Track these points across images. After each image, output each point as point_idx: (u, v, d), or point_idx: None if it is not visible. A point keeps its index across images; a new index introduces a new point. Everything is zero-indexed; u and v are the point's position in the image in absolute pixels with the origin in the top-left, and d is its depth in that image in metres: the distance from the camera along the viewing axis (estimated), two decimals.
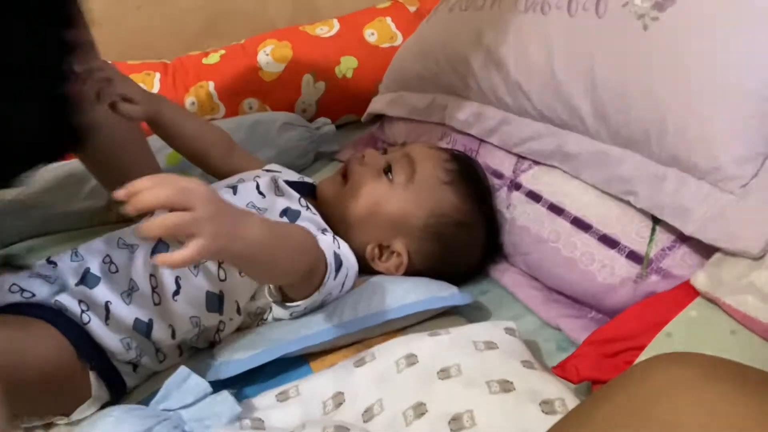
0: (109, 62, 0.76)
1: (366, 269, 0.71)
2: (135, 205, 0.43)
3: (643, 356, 0.54)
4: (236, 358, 0.62)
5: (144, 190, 0.44)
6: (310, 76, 1.14)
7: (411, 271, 0.72)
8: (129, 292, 0.62)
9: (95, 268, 0.63)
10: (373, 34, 1.19)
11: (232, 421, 0.51)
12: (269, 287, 0.62)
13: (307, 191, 0.76)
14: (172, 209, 0.45)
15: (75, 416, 0.59)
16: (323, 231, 0.67)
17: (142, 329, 0.62)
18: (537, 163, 0.77)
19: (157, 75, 1.12)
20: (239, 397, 0.54)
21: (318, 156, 1.09)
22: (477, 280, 0.78)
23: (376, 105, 1.07)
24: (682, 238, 0.62)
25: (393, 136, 1.03)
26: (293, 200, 0.71)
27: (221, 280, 0.64)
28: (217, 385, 0.54)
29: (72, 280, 0.62)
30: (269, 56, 1.14)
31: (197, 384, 0.53)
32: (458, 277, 0.74)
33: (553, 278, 0.72)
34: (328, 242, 0.64)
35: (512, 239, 0.76)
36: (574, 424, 0.36)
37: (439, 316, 0.68)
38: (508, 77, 0.78)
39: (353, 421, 0.53)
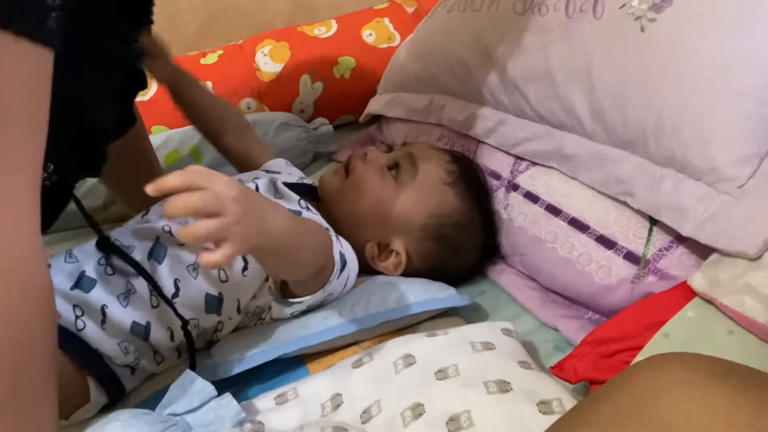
0: None
1: (364, 269, 0.71)
2: (166, 212, 0.43)
3: (640, 356, 0.54)
4: (234, 358, 0.62)
5: (175, 198, 0.43)
6: (308, 76, 1.14)
7: (409, 271, 0.72)
8: (126, 295, 0.62)
9: (90, 271, 0.62)
10: (371, 34, 1.19)
11: (236, 425, 0.51)
12: (270, 286, 0.62)
13: (306, 192, 0.76)
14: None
15: (73, 419, 0.59)
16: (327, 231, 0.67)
17: (140, 332, 0.61)
18: (534, 163, 0.77)
19: None
20: (238, 399, 0.54)
21: (316, 156, 1.10)
22: (475, 281, 0.78)
23: (374, 105, 1.07)
24: (680, 239, 0.62)
25: (391, 136, 1.03)
26: (293, 202, 0.71)
27: (222, 281, 0.64)
28: (216, 386, 0.54)
29: (67, 284, 0.61)
30: (267, 56, 1.14)
31: (203, 388, 0.52)
32: (456, 278, 0.74)
33: (551, 279, 0.72)
34: (332, 241, 0.64)
35: (510, 240, 0.77)
36: (572, 424, 0.36)
37: (437, 316, 0.68)
38: (506, 78, 0.78)
39: (352, 423, 0.53)
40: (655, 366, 0.35)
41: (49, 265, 0.63)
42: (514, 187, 0.78)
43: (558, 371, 0.58)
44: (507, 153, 0.80)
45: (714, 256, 0.58)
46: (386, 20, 1.21)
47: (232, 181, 0.45)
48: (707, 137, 0.58)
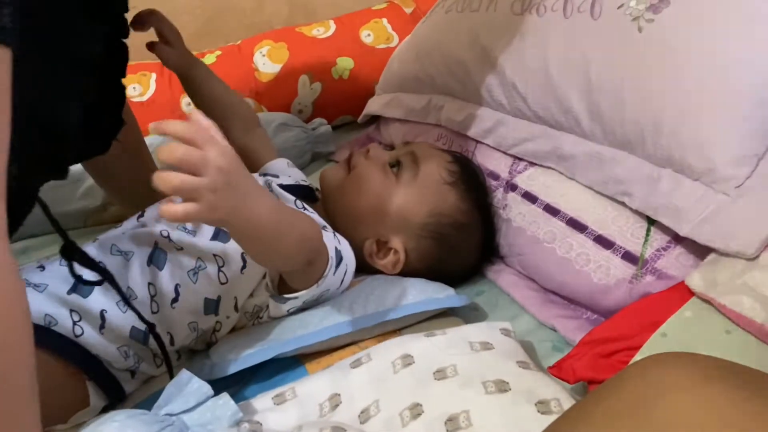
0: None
1: (363, 268, 0.71)
2: (158, 153, 0.43)
3: (638, 356, 0.54)
4: (231, 358, 0.62)
5: (172, 144, 0.43)
6: (306, 77, 1.14)
7: (407, 270, 0.72)
8: (126, 300, 0.61)
9: (87, 275, 0.61)
10: (369, 35, 1.19)
11: (233, 425, 0.51)
12: (268, 283, 0.61)
13: (303, 194, 0.76)
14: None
15: (72, 422, 0.58)
16: (323, 228, 0.67)
17: (140, 337, 0.61)
18: (533, 164, 0.77)
19: (153, 75, 1.12)
20: (236, 399, 0.54)
21: (314, 156, 1.10)
22: (473, 281, 0.78)
23: (373, 106, 1.07)
24: (677, 239, 0.62)
25: (389, 137, 1.03)
26: (288, 203, 0.71)
27: (222, 284, 0.64)
28: (214, 387, 0.54)
29: (63, 287, 0.60)
30: (265, 57, 1.14)
31: (199, 387, 0.52)
32: (455, 278, 0.74)
33: (549, 279, 0.72)
34: (329, 238, 0.64)
35: (508, 240, 0.77)
36: (570, 424, 0.36)
37: (436, 316, 0.68)
38: (504, 78, 0.78)
39: (350, 423, 0.53)
40: (652, 366, 0.35)
41: (44, 267, 0.63)
42: (513, 187, 0.78)
43: (556, 371, 0.58)
44: (505, 153, 0.81)
45: (712, 256, 0.58)
46: (384, 21, 1.21)
47: (227, 153, 0.45)
48: (705, 137, 0.58)
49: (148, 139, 0.90)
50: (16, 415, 0.39)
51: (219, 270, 0.63)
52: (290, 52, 1.15)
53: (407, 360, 0.56)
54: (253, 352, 0.62)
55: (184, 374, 0.53)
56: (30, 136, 0.46)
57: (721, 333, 0.53)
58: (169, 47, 0.76)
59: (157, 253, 0.63)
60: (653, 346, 0.54)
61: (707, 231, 0.57)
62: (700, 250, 0.60)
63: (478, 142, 0.85)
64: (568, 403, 0.50)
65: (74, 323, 0.59)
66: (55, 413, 0.57)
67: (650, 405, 0.32)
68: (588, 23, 0.69)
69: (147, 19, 0.73)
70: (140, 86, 1.10)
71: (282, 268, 0.59)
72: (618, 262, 0.65)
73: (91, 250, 0.65)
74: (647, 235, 0.64)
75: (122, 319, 0.60)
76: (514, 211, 0.76)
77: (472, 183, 0.76)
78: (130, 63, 1.22)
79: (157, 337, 0.61)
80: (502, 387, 0.51)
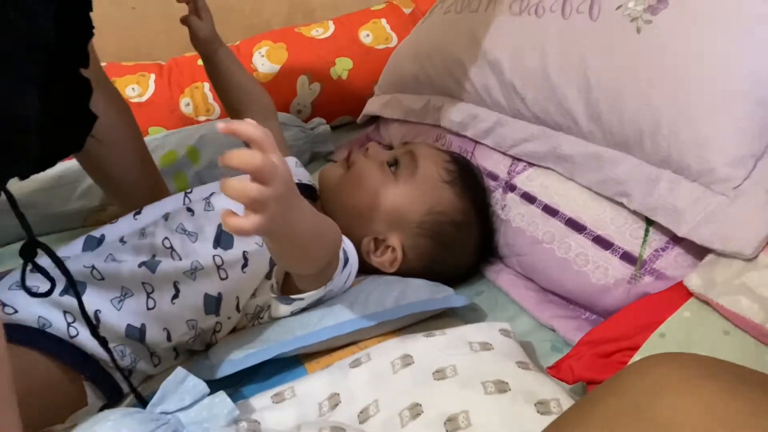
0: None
1: (361, 267, 0.71)
2: (224, 160, 0.42)
3: (637, 357, 0.54)
4: (231, 358, 0.62)
5: (242, 150, 0.42)
6: (305, 77, 1.14)
7: (405, 269, 0.72)
8: (121, 299, 0.61)
9: (78, 275, 0.60)
10: (368, 35, 1.19)
11: (230, 423, 0.51)
12: (273, 285, 0.61)
13: (306, 194, 0.76)
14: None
15: (70, 422, 0.58)
16: None
17: (135, 335, 0.61)
18: (531, 164, 0.77)
19: (152, 76, 1.12)
20: (235, 398, 0.54)
21: (313, 156, 1.10)
22: (472, 281, 0.78)
23: (372, 106, 1.07)
24: (676, 240, 0.62)
25: (388, 137, 1.03)
26: None
27: (222, 279, 0.63)
28: (213, 387, 0.54)
29: (56, 289, 0.58)
30: (264, 57, 1.14)
31: (195, 385, 0.52)
32: (453, 278, 0.74)
33: (548, 279, 0.72)
34: (342, 239, 0.64)
35: (507, 240, 0.77)
36: (570, 424, 0.36)
37: (435, 317, 0.68)
38: (503, 79, 0.78)
39: (349, 422, 0.53)
40: (651, 366, 0.35)
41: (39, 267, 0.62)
42: (512, 187, 0.78)
43: (555, 371, 0.58)
44: (504, 154, 0.81)
45: (710, 257, 0.58)
46: (383, 21, 1.21)
47: (284, 161, 0.45)
48: (703, 138, 0.58)
49: (147, 139, 0.90)
50: None
51: (219, 268, 0.63)
52: (289, 53, 1.15)
53: (407, 360, 0.56)
54: (252, 352, 0.62)
55: (180, 372, 0.53)
56: None
57: (719, 333, 0.53)
58: (200, 22, 0.79)
59: (153, 262, 0.63)
60: (652, 346, 0.54)
61: (705, 231, 0.57)
62: (698, 251, 0.60)
63: (476, 142, 0.85)
64: (567, 403, 0.50)
65: (69, 324, 0.58)
66: (53, 413, 0.57)
67: (649, 405, 0.32)
68: (587, 24, 0.69)
69: None
70: (139, 87, 1.10)
71: (305, 271, 0.59)
72: (616, 263, 0.65)
73: (75, 250, 0.64)
74: (646, 235, 0.64)
75: (117, 318, 0.60)
76: (513, 212, 0.76)
77: (470, 182, 0.77)
78: (129, 63, 1.23)
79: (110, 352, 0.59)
80: (501, 387, 0.51)
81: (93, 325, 0.57)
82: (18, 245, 0.90)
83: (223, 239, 0.64)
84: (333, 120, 1.17)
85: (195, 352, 0.68)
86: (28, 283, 0.59)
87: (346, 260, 0.63)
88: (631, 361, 0.54)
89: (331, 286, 0.63)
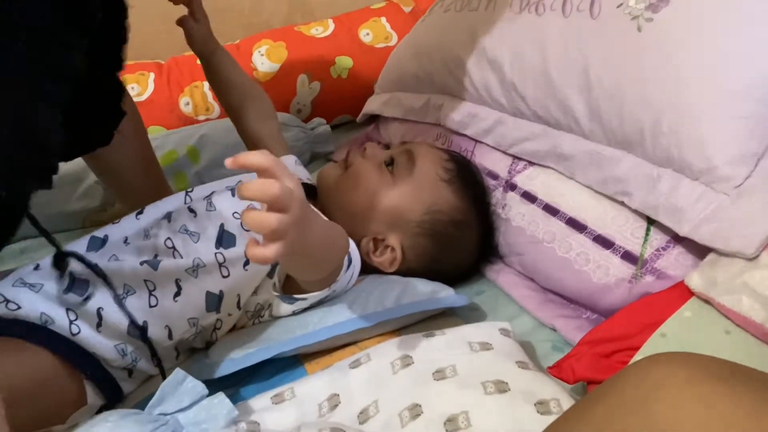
0: None
1: (362, 267, 0.71)
2: (241, 192, 0.42)
3: (638, 356, 0.54)
4: (230, 357, 0.62)
5: (254, 181, 0.42)
6: (305, 76, 1.14)
7: (405, 268, 0.72)
8: (123, 296, 0.61)
9: (80, 274, 0.60)
10: (368, 34, 1.19)
11: (229, 424, 0.51)
12: (275, 283, 0.61)
13: (306, 193, 0.76)
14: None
15: (70, 422, 0.58)
16: None
17: (137, 333, 0.61)
18: (532, 163, 0.77)
19: (152, 75, 1.12)
20: (234, 400, 0.54)
21: (313, 156, 1.10)
22: (472, 281, 0.78)
23: (372, 105, 1.07)
24: (677, 239, 0.62)
25: (388, 136, 1.03)
26: None
27: (224, 277, 0.63)
28: (212, 388, 0.54)
29: (58, 287, 0.59)
30: (264, 56, 1.14)
31: (193, 386, 0.52)
32: (453, 278, 0.74)
33: (548, 279, 0.72)
34: (349, 244, 0.64)
35: (507, 240, 0.77)
36: (570, 425, 0.36)
37: (435, 316, 0.68)
38: (503, 78, 0.78)
39: (349, 423, 0.53)
40: (652, 366, 0.35)
41: (38, 266, 0.62)
42: (512, 186, 0.78)
43: (556, 371, 0.58)
44: (504, 153, 0.81)
45: (711, 256, 0.58)
46: (383, 20, 1.21)
47: (298, 182, 0.45)
48: (704, 137, 0.58)
49: (151, 137, 0.90)
50: None
51: (221, 266, 0.63)
52: (289, 52, 1.15)
53: (406, 360, 0.56)
54: (252, 351, 0.61)
55: (179, 373, 0.53)
56: (11, 146, 0.46)
57: (720, 333, 0.53)
58: (196, 23, 0.79)
59: (154, 261, 0.63)
60: (653, 346, 0.54)
61: (707, 231, 0.57)
62: (699, 250, 0.60)
63: (477, 141, 0.85)
64: (567, 403, 0.50)
65: (71, 322, 0.58)
66: (52, 411, 0.57)
67: (649, 405, 0.32)
68: (587, 22, 0.69)
69: None
70: (138, 86, 1.10)
71: (315, 278, 0.59)
72: (617, 262, 0.65)
73: (80, 249, 0.64)
74: (647, 234, 0.64)
75: (119, 315, 0.60)
76: (513, 211, 0.76)
77: (469, 181, 0.76)
78: (128, 63, 1.22)
79: (148, 341, 0.61)
80: (501, 387, 0.51)
81: (142, 329, 0.59)
82: (17, 246, 0.92)
83: (225, 239, 0.64)
84: (333, 119, 1.16)
85: (195, 351, 0.68)
86: (28, 280, 0.60)
87: (350, 261, 0.63)
88: (631, 361, 0.54)
89: (336, 287, 0.63)
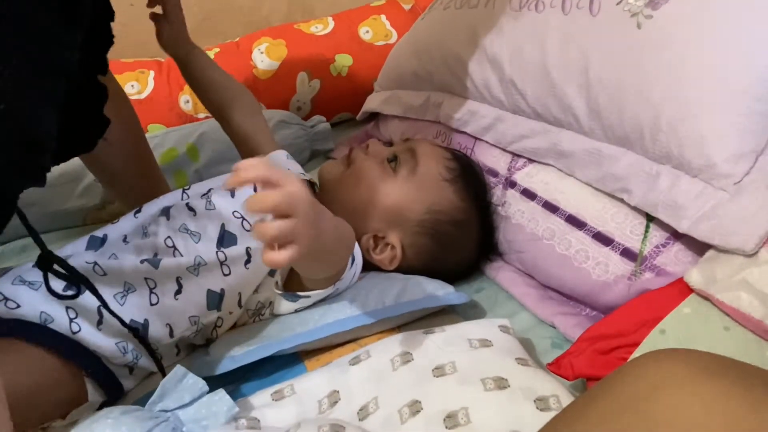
0: None
1: (362, 265, 0.71)
2: (246, 206, 0.42)
3: (637, 353, 0.54)
4: (231, 355, 0.62)
5: (255, 195, 0.43)
6: (304, 74, 1.14)
7: (404, 266, 0.72)
8: (124, 294, 0.61)
9: (81, 271, 0.60)
10: (367, 31, 1.19)
11: (229, 421, 0.51)
12: (277, 281, 0.61)
13: None
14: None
15: (70, 418, 0.58)
16: None
17: (137, 331, 0.61)
18: (531, 161, 0.77)
19: (152, 73, 1.12)
20: (235, 396, 0.54)
21: (313, 154, 1.10)
22: (472, 278, 0.78)
23: (371, 103, 1.07)
24: (676, 236, 0.62)
25: (388, 134, 1.03)
26: None
27: (225, 275, 0.63)
28: (213, 385, 0.54)
29: (58, 285, 0.59)
30: (264, 54, 1.14)
31: (194, 383, 0.52)
32: (453, 276, 0.74)
33: (548, 276, 0.72)
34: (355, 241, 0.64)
35: (507, 237, 0.77)
36: (569, 421, 0.36)
37: (435, 313, 0.68)
38: (503, 75, 0.78)
39: (349, 420, 0.53)
40: (651, 362, 0.35)
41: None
42: (512, 184, 0.78)
43: (555, 368, 0.58)
44: (504, 150, 0.81)
45: (710, 253, 0.58)
46: (383, 17, 1.21)
47: (302, 183, 0.45)
48: (704, 134, 0.58)
49: (147, 136, 0.90)
50: None
51: (222, 264, 0.63)
52: (289, 49, 1.14)
53: (406, 357, 0.56)
54: (252, 349, 0.62)
55: (179, 370, 0.53)
56: (4, 143, 0.46)
57: (719, 329, 0.53)
58: (167, 23, 0.77)
59: (155, 259, 0.63)
60: (652, 342, 0.54)
61: (706, 227, 0.57)
62: (698, 247, 0.60)
63: (476, 139, 0.85)
64: (566, 399, 0.50)
65: (71, 320, 0.58)
66: (54, 408, 0.57)
67: (649, 401, 0.32)
68: (587, 19, 0.69)
69: None
70: (138, 84, 1.10)
71: (323, 275, 0.59)
72: (617, 259, 0.65)
73: (79, 249, 0.64)
74: (646, 231, 0.64)
75: (120, 313, 0.60)
76: (513, 208, 0.76)
77: (471, 180, 0.76)
78: (128, 60, 1.22)
79: (144, 341, 0.61)
80: (500, 384, 0.51)
81: (137, 331, 0.58)
82: (18, 243, 0.92)
83: (226, 239, 0.64)
84: (333, 117, 1.16)
85: (195, 348, 0.68)
86: (27, 278, 0.60)
87: (353, 258, 0.63)
88: (631, 358, 0.54)
89: (339, 285, 0.63)
